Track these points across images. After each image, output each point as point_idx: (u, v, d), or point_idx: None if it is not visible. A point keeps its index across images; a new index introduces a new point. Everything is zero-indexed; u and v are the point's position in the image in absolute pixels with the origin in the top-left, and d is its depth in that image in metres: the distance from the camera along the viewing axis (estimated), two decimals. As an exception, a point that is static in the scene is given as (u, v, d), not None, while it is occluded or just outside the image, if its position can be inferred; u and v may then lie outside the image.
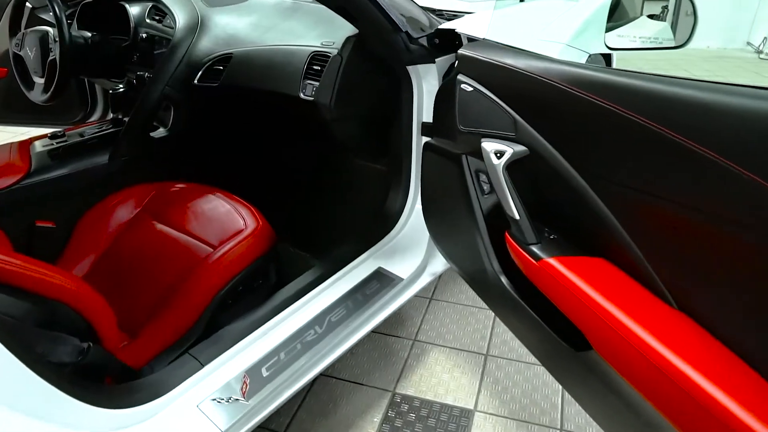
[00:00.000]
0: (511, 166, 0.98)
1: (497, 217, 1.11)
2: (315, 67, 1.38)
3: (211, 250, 1.29)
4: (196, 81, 1.61)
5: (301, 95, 1.38)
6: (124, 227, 1.45)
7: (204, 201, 1.45)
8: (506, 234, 1.03)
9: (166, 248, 1.35)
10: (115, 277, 1.36)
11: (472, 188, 1.14)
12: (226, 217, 1.37)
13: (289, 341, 1.20)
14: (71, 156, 1.49)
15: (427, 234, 1.54)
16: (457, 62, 1.18)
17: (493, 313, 1.76)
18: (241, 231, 1.32)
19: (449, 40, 1.41)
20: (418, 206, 1.57)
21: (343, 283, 1.38)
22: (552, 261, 0.92)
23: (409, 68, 1.41)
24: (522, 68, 0.96)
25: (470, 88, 1.07)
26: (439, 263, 1.56)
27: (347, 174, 1.74)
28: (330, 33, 1.44)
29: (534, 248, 0.96)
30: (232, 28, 1.64)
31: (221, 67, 1.57)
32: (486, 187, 1.12)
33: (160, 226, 1.41)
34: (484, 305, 1.80)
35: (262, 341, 1.18)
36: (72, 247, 1.41)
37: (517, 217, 0.97)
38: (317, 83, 1.36)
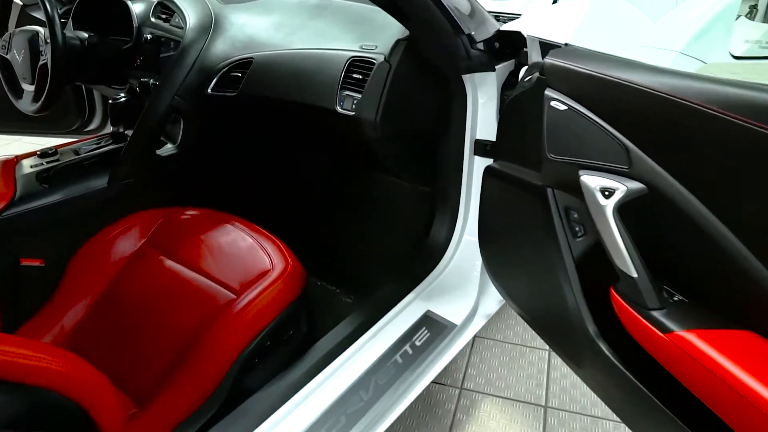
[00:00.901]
0: (622, 208, 0.77)
1: (590, 264, 0.90)
2: (354, 76, 1.16)
3: (233, 296, 1.07)
4: (209, 90, 1.39)
5: (338, 109, 1.16)
6: (127, 263, 1.23)
7: (221, 232, 1.23)
8: (612, 291, 0.82)
9: (177, 292, 1.13)
10: (116, 326, 1.15)
11: (561, 230, 0.92)
12: (248, 254, 1.16)
13: (331, 413, 0.98)
14: (64, 179, 1.27)
15: (477, 269, 1.33)
16: (533, 72, 0.97)
17: (547, 354, 1.55)
18: (267, 272, 1.10)
19: (511, 45, 1.20)
20: (468, 236, 1.36)
21: (388, 333, 1.17)
22: (688, 335, 0.71)
23: (465, 77, 1.20)
24: (640, 84, 0.75)
25: (563, 107, 0.86)
26: (492, 302, 1.35)
27: (384, 196, 1.52)
28: (370, 35, 1.22)
29: (658, 315, 0.74)
30: (252, 29, 1.42)
31: (239, 74, 1.35)
32: (579, 229, 0.91)
33: (169, 263, 1.19)
34: (537, 344, 1.59)
35: (299, 414, 0.97)
36: (64, 289, 1.19)
37: (634, 274, 0.76)
38: (359, 95, 1.14)
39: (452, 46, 1.09)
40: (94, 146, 1.41)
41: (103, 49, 1.54)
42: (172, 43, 1.47)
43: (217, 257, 1.17)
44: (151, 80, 1.48)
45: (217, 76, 1.37)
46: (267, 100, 1.31)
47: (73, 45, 1.47)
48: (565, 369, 1.49)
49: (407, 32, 1.15)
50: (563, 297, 0.93)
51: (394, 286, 1.27)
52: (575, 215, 0.90)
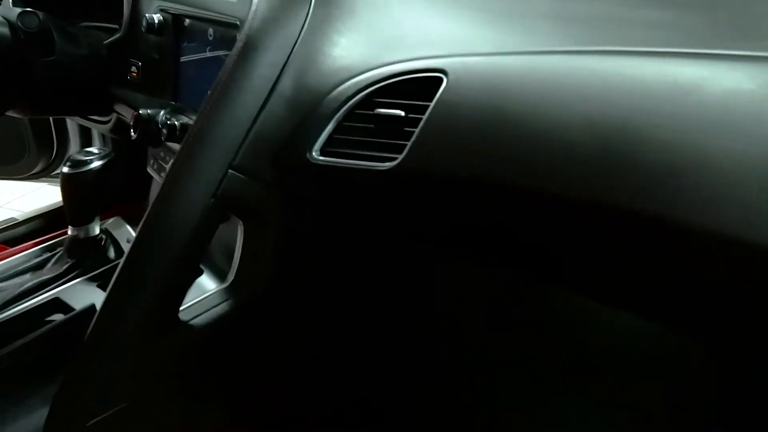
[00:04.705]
0: None
1: None
2: None
3: None
4: (315, 151, 0.55)
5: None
6: None
7: None
8: None
9: None
10: None
11: None
12: None
13: None
14: None
15: None
16: None
17: None
18: None
19: None
20: None
21: None
22: None
23: None
24: None
25: None
26: None
27: (660, 369, 0.69)
28: None
29: None
30: (430, 3, 0.59)
31: (401, 113, 0.51)
32: None
33: None
34: None
35: None
36: None
37: None
38: None
39: None
40: (30, 285, 0.58)
41: (66, 44, 0.75)
42: (211, 31, 0.65)
43: None
44: (163, 113, 0.67)
45: (338, 116, 0.54)
46: (492, 191, 0.48)
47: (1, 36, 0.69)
48: None
49: None
50: None
51: None
52: None
